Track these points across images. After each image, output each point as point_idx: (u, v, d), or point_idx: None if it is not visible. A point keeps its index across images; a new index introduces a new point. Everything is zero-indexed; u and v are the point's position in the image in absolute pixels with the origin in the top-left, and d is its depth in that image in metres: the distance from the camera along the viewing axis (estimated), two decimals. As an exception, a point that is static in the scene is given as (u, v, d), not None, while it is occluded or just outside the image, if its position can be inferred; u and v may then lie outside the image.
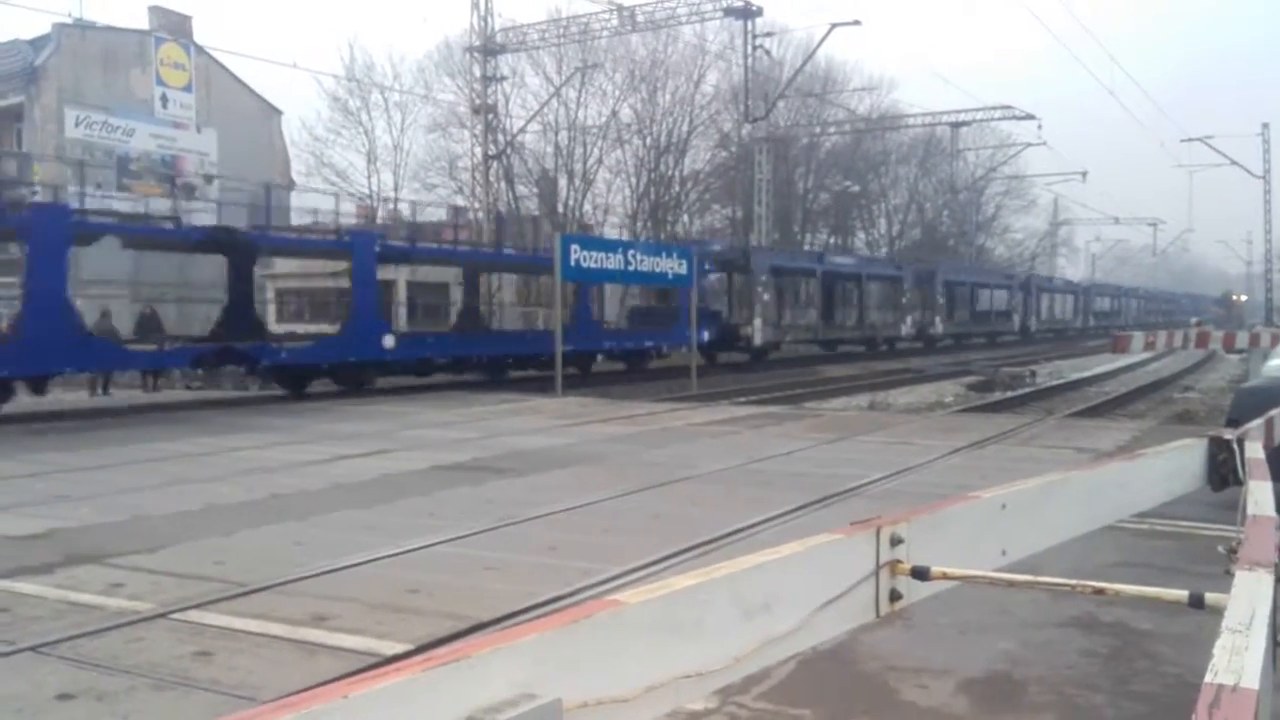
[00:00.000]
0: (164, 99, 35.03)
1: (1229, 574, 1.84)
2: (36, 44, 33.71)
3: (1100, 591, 2.03)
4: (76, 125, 32.54)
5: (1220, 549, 2.36)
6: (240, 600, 5.59)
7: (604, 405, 18.36)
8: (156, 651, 4.75)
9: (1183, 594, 1.91)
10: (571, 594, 5.56)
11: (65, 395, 19.99)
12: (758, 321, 34.78)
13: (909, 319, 46.12)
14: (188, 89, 35.83)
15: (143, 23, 35.72)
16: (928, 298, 48.35)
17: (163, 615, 5.30)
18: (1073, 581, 2.01)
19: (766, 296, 35.80)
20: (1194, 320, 64.43)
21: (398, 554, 6.66)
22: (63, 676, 4.44)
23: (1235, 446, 3.47)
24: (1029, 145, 62.51)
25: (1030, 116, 55.06)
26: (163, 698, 4.21)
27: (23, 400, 17.80)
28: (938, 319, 48.94)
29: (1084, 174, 69.38)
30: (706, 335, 31.02)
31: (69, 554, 6.72)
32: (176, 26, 35.89)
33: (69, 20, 33.32)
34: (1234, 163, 49.66)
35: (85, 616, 5.30)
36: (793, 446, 12.23)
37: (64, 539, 7.23)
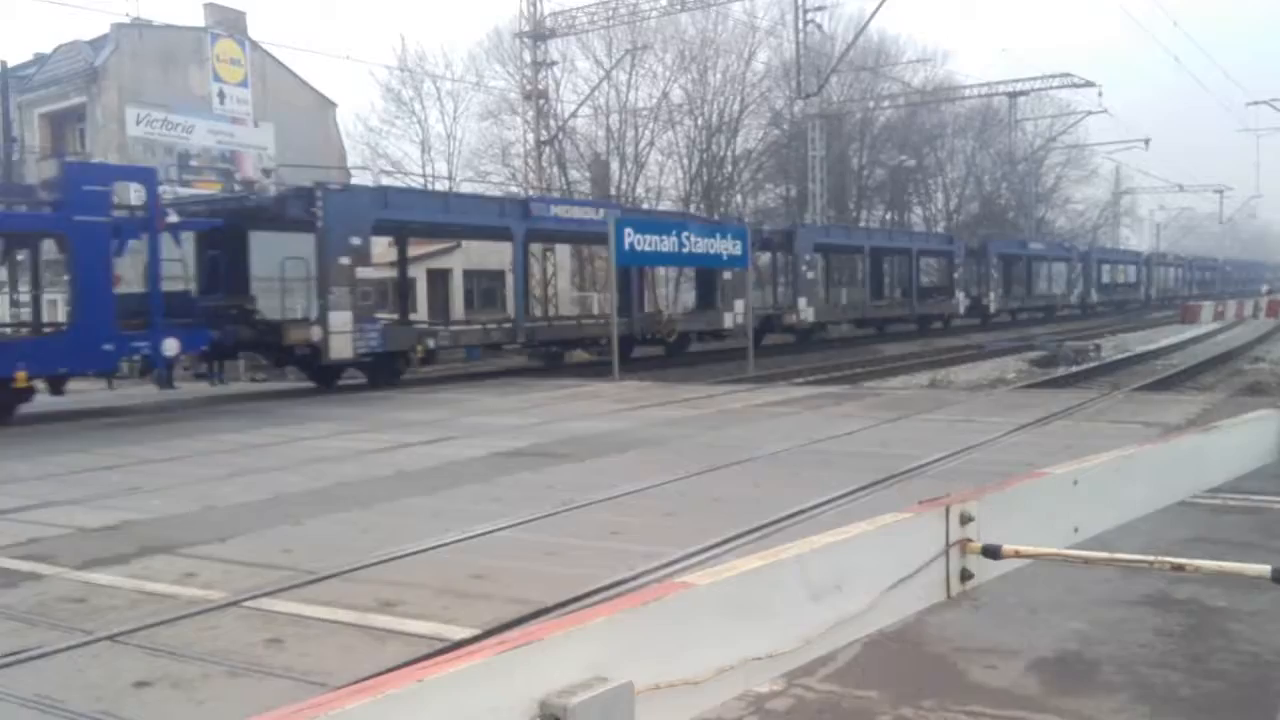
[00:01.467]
0: (221, 95, 35.54)
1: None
2: (96, 44, 34.36)
3: (1179, 568, 1.98)
4: (138, 124, 33.13)
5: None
6: (309, 588, 5.67)
7: (661, 389, 18.36)
8: (229, 639, 4.84)
9: (1264, 569, 1.86)
10: (634, 577, 5.57)
11: (132, 389, 20.38)
12: (802, 301, 33.66)
13: (961, 295, 44.20)
14: (244, 84, 36.32)
15: (198, 20, 36.25)
16: (981, 272, 46.77)
17: (234, 603, 5.40)
18: (1150, 558, 1.97)
19: (811, 275, 34.69)
20: (1264, 288, 62.91)
21: (461, 540, 6.72)
22: (139, 664, 4.54)
23: (1312, 418, 3.37)
24: (1089, 114, 61.29)
25: (1090, 84, 53.95)
26: (237, 684, 4.29)
27: (94, 394, 18.23)
28: (992, 294, 46.66)
29: (1146, 141, 67.82)
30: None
31: (142, 545, 6.87)
32: (231, 23, 36.37)
33: (127, 20, 33.91)
34: (1303, 126, 48.26)
35: (159, 605, 5.42)
36: (853, 426, 12.14)
37: (137, 530, 7.39)
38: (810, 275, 34.51)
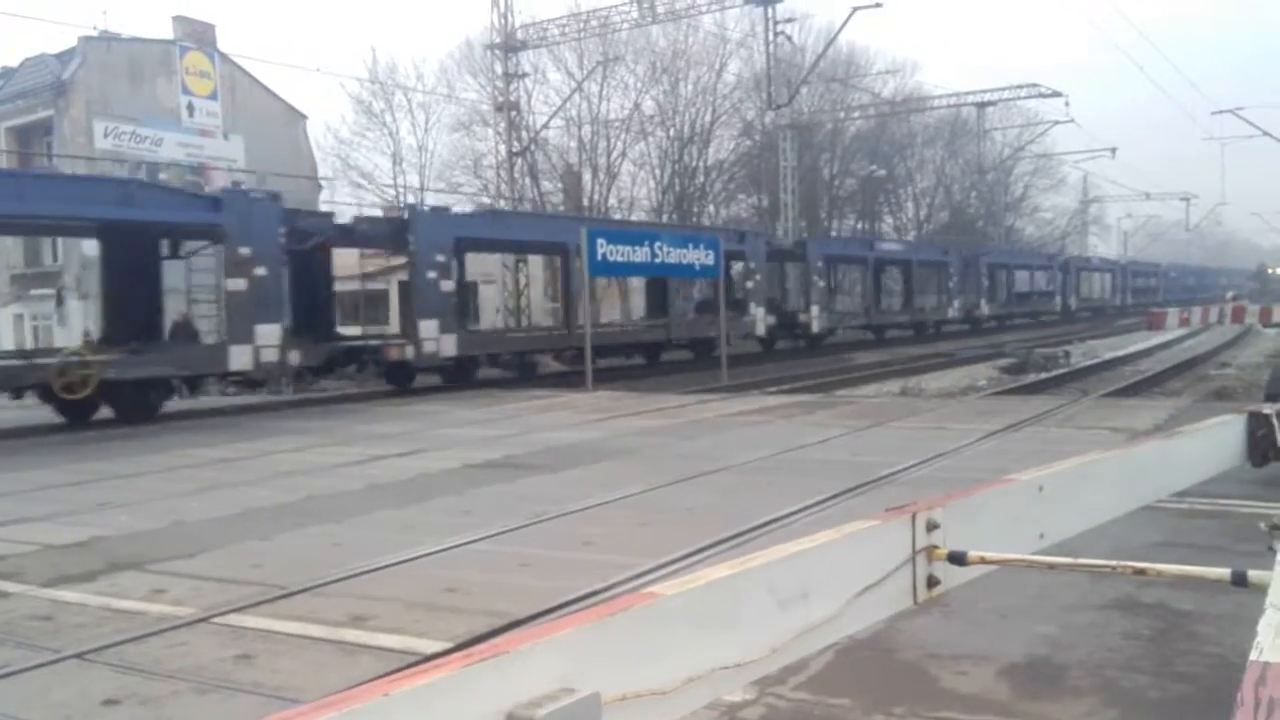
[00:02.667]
0: (190, 107, 35.31)
1: (1271, 550, 1.81)
2: (63, 57, 34.05)
3: (1141, 572, 2.00)
4: (105, 136, 32.86)
5: (1262, 526, 2.33)
6: (280, 603, 5.63)
7: (634, 399, 18.36)
8: (199, 655, 4.80)
9: (1225, 572, 1.88)
10: (608, 588, 5.57)
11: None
12: (814, 309, 36.29)
13: (956, 302, 46.77)
14: (213, 96, 36.10)
15: (167, 32, 36.02)
16: (973, 281, 49.03)
17: (204, 619, 5.35)
18: (1113, 562, 1.99)
19: (821, 284, 37.40)
20: (1229, 295, 63.61)
21: (434, 553, 6.69)
22: (107, 683, 4.49)
23: (1275, 421, 3.42)
24: (1056, 123, 61.85)
25: (1057, 94, 54.52)
26: (206, 701, 4.26)
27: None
28: (983, 301, 49.76)
29: (1113, 150, 68.56)
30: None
31: (110, 561, 6.80)
32: (200, 35, 36.15)
33: (94, 33, 33.64)
34: (1266, 134, 48.91)
35: (128, 623, 5.36)
36: (825, 435, 12.18)
37: (105, 546, 7.31)
38: (820, 284, 37.21)
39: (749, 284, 34.40)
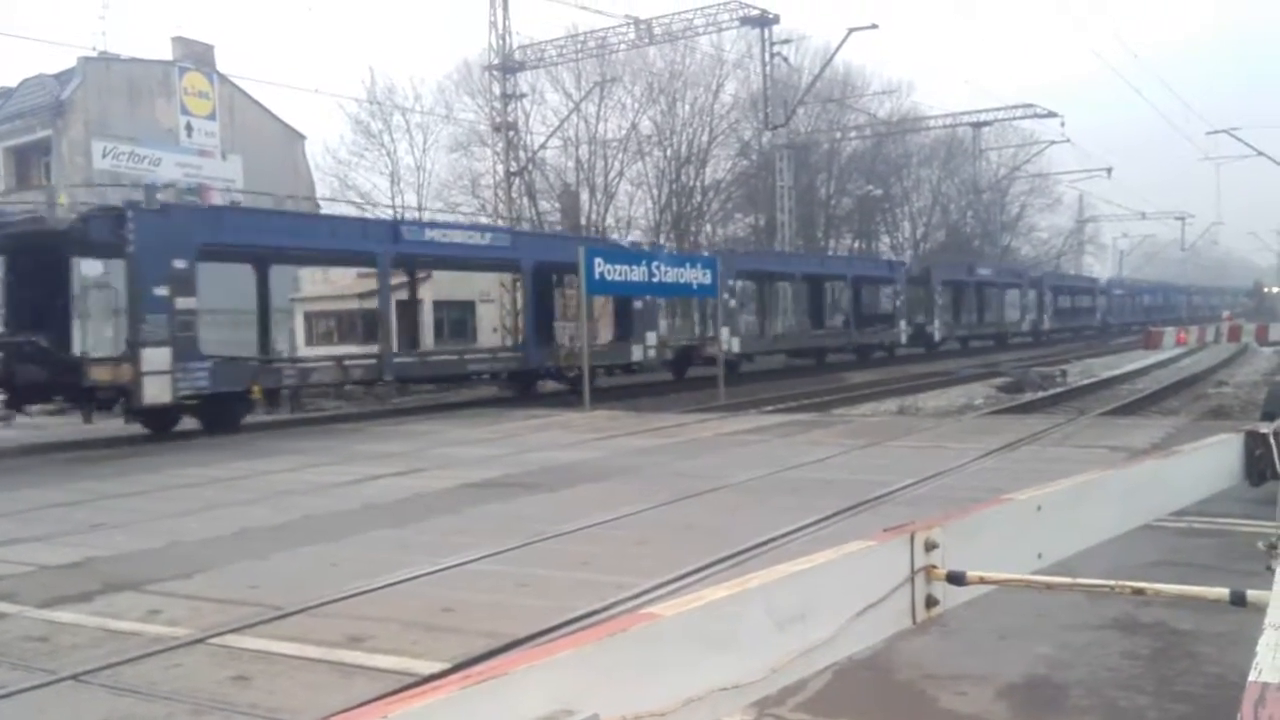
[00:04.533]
0: (189, 128, 35.43)
1: (1270, 570, 1.81)
2: (62, 78, 34.17)
3: (1140, 592, 2.00)
4: (104, 156, 32.96)
5: (1260, 545, 2.33)
6: (277, 623, 5.61)
7: (632, 418, 18.36)
8: (195, 677, 4.78)
9: (1223, 592, 1.88)
10: (606, 608, 5.55)
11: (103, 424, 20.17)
12: (725, 331, 32.11)
13: (902, 323, 42.86)
14: (212, 117, 36.23)
15: (166, 53, 36.17)
16: (924, 299, 46.57)
17: (200, 640, 5.33)
18: (1111, 582, 1.99)
19: (734, 304, 34.71)
20: (1225, 314, 63.72)
21: (431, 573, 6.67)
22: (103, 704, 4.47)
23: (1272, 440, 3.42)
24: (1052, 143, 62.24)
25: (1052, 114, 54.85)
26: (203, 722, 4.23)
27: (59, 429, 17.99)
28: (937, 321, 45.74)
29: (1109, 170, 68.91)
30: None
31: (106, 582, 6.77)
32: (199, 56, 36.30)
33: (93, 53, 33.77)
34: (1261, 154, 49.11)
35: (123, 644, 5.34)
36: (823, 454, 12.18)
37: (101, 567, 7.29)
38: (732, 303, 33.81)
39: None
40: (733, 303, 34.84)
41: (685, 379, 31.01)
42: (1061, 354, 42.70)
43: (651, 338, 28.25)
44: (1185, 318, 75.58)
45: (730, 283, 34.19)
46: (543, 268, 26.39)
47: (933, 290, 45.35)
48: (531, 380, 26.81)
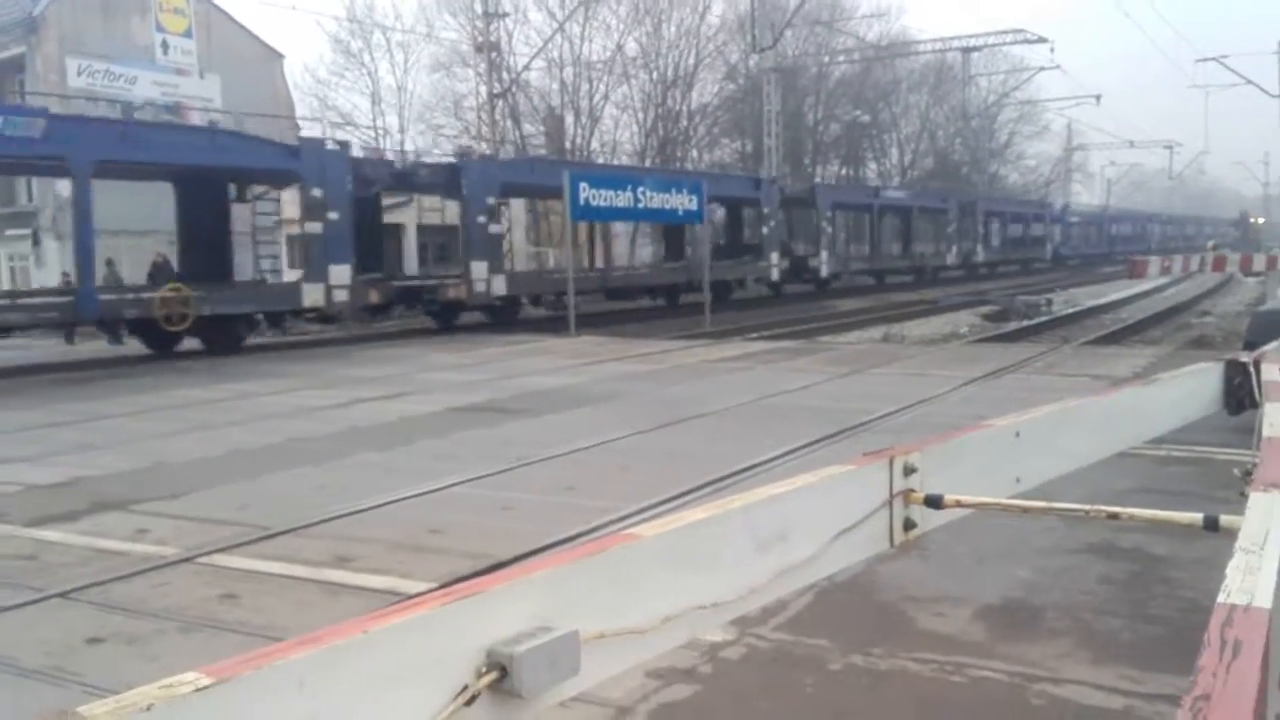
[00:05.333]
0: (165, 45, 34.69)
1: (1244, 496, 1.84)
2: (35, -8, 33.35)
3: (1115, 516, 2.03)
4: (79, 75, 32.28)
5: (1236, 472, 2.36)
6: (264, 544, 5.66)
7: (617, 344, 18.37)
8: (183, 595, 4.83)
9: (1197, 517, 1.91)
10: (589, 531, 5.61)
11: (83, 345, 20.12)
12: (824, 254, 37.20)
13: (954, 248, 47.53)
14: (188, 35, 35.45)
15: (141, -32, 35.27)
16: (970, 228, 49.59)
17: (188, 560, 5.38)
18: (1087, 506, 2.02)
19: (829, 230, 38.28)
20: (1210, 244, 63.82)
21: (417, 495, 6.72)
22: (91, 621, 4.52)
23: (1252, 369, 3.44)
24: (1041, 69, 61.34)
25: (1042, 40, 53.99)
26: (191, 640, 4.29)
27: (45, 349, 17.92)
28: (980, 247, 50.52)
29: (1098, 98, 68.10)
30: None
31: (94, 501, 6.81)
32: (175, -30, 35.41)
33: (67, -32, 32.89)
34: (1250, 82, 48.76)
35: (111, 562, 5.38)
36: (807, 381, 12.23)
37: (88, 487, 7.32)
38: (829, 230, 38.06)
39: (764, 230, 34.23)
40: (829, 229, 38.02)
41: (729, 300, 30.75)
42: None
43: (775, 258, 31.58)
44: (1155, 249, 72.97)
45: (828, 213, 37.39)
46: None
47: (819, 215, 38.31)
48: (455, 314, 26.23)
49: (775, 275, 34.72)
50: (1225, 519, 1.84)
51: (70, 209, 18.40)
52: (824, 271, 37.73)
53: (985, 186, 64.56)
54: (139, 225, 28.35)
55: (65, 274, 26.85)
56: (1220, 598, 1.27)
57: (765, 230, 34.51)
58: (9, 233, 33.55)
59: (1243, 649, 1.11)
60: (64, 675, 3.93)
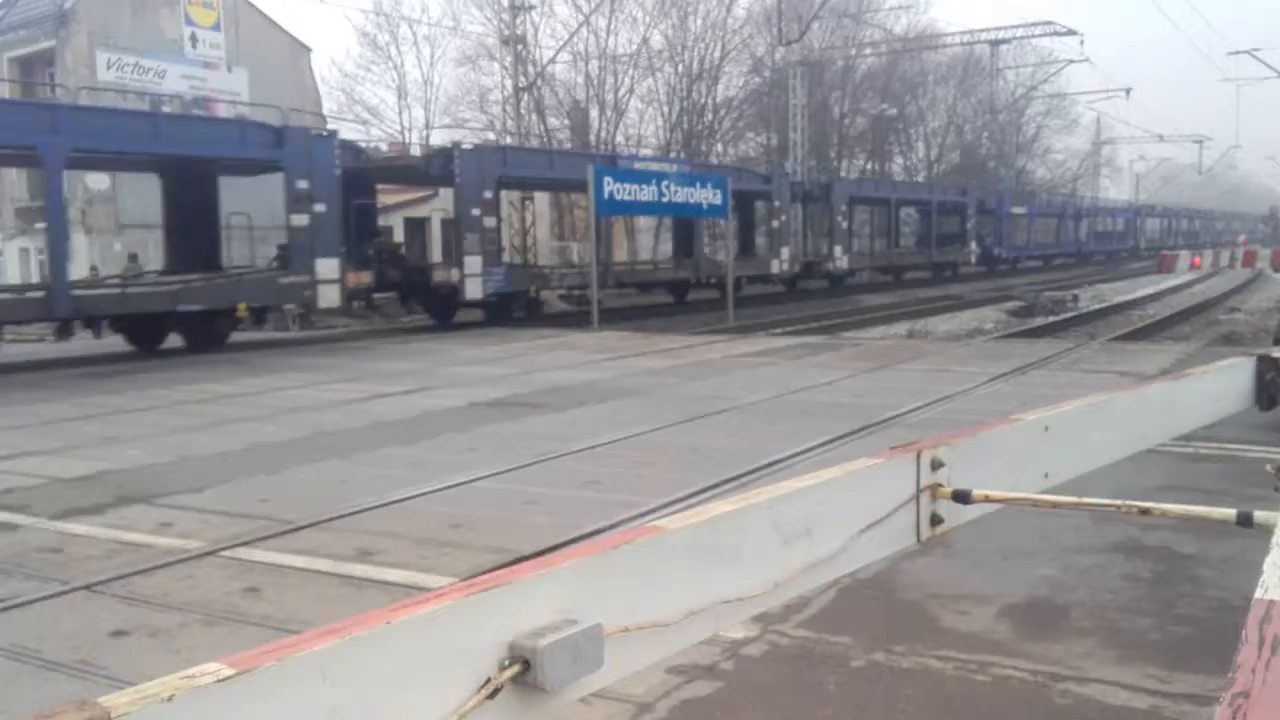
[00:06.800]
0: (193, 39, 34.90)
1: (1278, 491, 1.80)
2: (65, -12, 33.61)
3: (1146, 512, 2.00)
4: (108, 68, 32.51)
5: (1268, 468, 2.32)
6: (287, 537, 5.68)
7: (640, 339, 18.35)
8: (207, 589, 4.85)
9: (1230, 513, 1.88)
10: (612, 526, 5.60)
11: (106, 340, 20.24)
12: (838, 249, 36.81)
13: (973, 244, 46.57)
14: (216, 28, 35.65)
15: (169, -37, 35.50)
16: (993, 223, 48.82)
17: (212, 553, 5.40)
18: (1118, 502, 1.99)
19: (845, 226, 37.86)
20: (1241, 238, 63.09)
21: (440, 489, 6.73)
22: (116, 614, 4.55)
23: (1284, 365, 3.39)
24: (1070, 62, 60.88)
25: (1072, 32, 53.62)
26: (214, 633, 4.30)
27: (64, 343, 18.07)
28: (1003, 243, 49.87)
29: (1127, 91, 67.59)
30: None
31: (119, 495, 6.85)
32: (203, -34, 35.60)
33: (95, -37, 33.14)
34: (1283, 76, 48.18)
35: (136, 555, 5.41)
36: (831, 377, 12.18)
37: (113, 480, 7.37)
38: (845, 225, 37.44)
39: (774, 224, 33.30)
40: (845, 225, 37.33)
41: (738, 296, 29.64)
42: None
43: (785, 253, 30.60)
44: (1144, 250, 67.92)
45: (843, 208, 36.87)
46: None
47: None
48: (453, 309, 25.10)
49: (777, 269, 32.91)
50: (1259, 515, 1.81)
51: (98, 203, 18.34)
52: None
53: (1012, 181, 64.04)
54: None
55: (94, 266, 27.11)
56: (1258, 593, 1.25)
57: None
58: (38, 225, 33.87)
59: (1281, 646, 1.09)
60: (88, 668, 3.96)
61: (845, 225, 37.80)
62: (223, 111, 32.32)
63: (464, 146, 23.02)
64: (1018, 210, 53.82)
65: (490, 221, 22.81)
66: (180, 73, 34.31)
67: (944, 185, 54.30)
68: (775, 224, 32.92)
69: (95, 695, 0.95)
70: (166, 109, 29.73)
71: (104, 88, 30.34)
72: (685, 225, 30.83)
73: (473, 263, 21.94)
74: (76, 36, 32.72)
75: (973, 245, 45.46)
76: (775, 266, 32.73)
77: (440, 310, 23.74)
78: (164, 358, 17.24)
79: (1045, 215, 60.57)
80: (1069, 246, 61.73)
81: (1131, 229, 73.59)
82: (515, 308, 23.73)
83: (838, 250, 36.77)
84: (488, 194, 22.46)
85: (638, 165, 26.32)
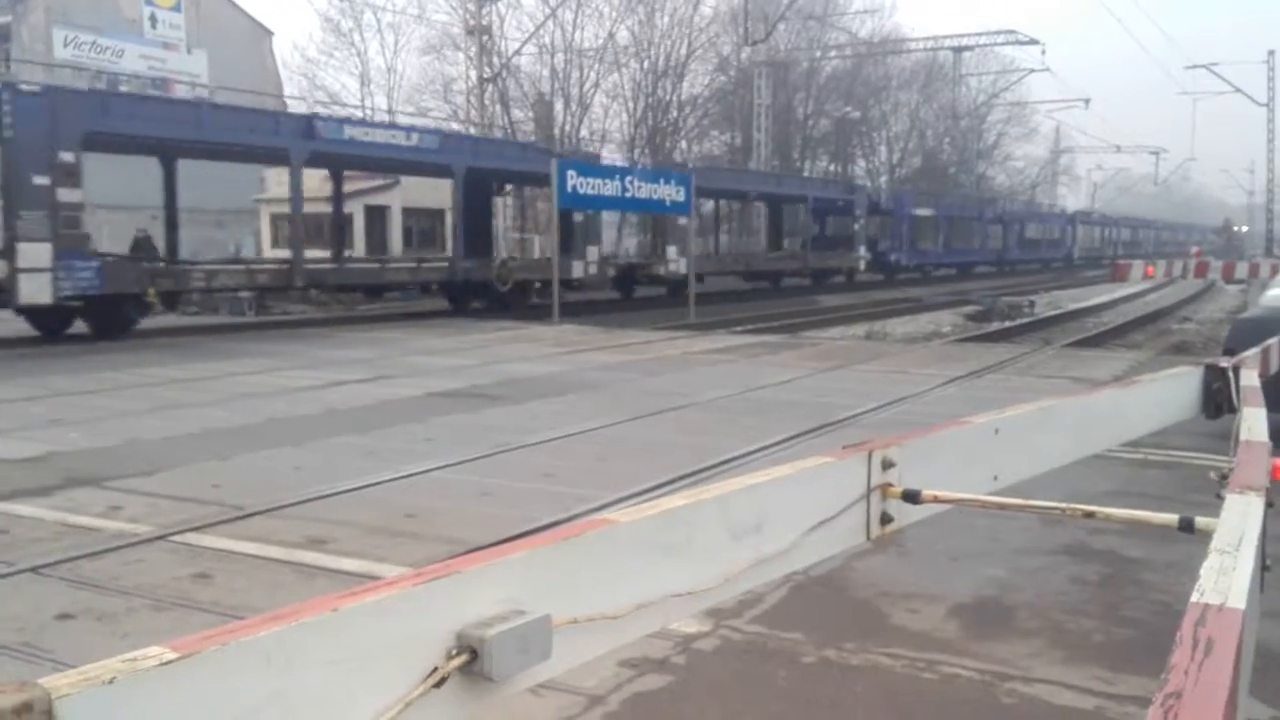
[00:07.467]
0: (153, 19, 34.42)
1: (1220, 498, 1.84)
2: (23, -38, 33.06)
3: (1090, 515, 2.03)
4: (65, 46, 31.98)
5: (1212, 475, 2.36)
6: (238, 523, 5.63)
7: (600, 334, 18.35)
8: (155, 573, 4.80)
9: (1172, 518, 1.91)
10: (567, 519, 5.59)
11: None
12: (672, 250, 32.30)
13: (862, 249, 42.14)
14: (176, 9, 35.18)
15: (130, -60, 34.97)
16: (891, 226, 45.61)
17: (161, 537, 5.34)
18: (1063, 505, 2.02)
19: (682, 221, 33.69)
20: (1194, 249, 64.15)
21: (395, 479, 6.70)
22: (62, 597, 4.48)
23: (1230, 374, 3.46)
24: (1031, 71, 61.84)
25: (1034, 41, 54.41)
26: (162, 618, 4.26)
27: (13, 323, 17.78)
28: (902, 249, 47.02)
29: (1086, 101, 68.79)
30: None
31: (67, 477, 6.75)
32: (165, -56, 35.13)
33: (55, -63, 32.61)
34: (1238, 90, 49.11)
35: (84, 538, 5.34)
36: (788, 375, 12.25)
37: (61, 462, 7.26)
38: (681, 221, 30.44)
39: (855, 228, 40.92)
40: (681, 220, 34.26)
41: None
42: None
43: (593, 253, 26.33)
44: (1078, 260, 65.78)
45: (64, 155, 31.58)
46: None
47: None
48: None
49: (579, 272, 28.08)
50: (1201, 521, 1.85)
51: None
52: (902, 261, 44.88)
53: (973, 187, 64.69)
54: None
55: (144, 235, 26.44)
56: (1194, 596, 1.27)
57: (857, 227, 41.25)
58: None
59: (1215, 648, 1.11)
60: (33, 650, 3.90)
61: (681, 221, 30.76)
62: (180, 92, 31.89)
63: (22, 87, 16.34)
64: (923, 212, 48.59)
65: (70, 195, 16.21)
66: (139, 52, 33.81)
67: (825, 180, 51.26)
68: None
69: (39, 677, 0.94)
70: (123, 88, 29.24)
71: (60, 64, 29.84)
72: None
73: (32, 252, 15.67)
74: (34, 13, 32.17)
75: (861, 250, 40.77)
76: (577, 270, 26.67)
77: (40, 319, 17.57)
78: (114, 341, 16.98)
79: (961, 218, 54.27)
80: (988, 255, 56.30)
81: (1065, 237, 68.57)
82: (132, 314, 18.03)
83: (672, 251, 31.60)
84: (66, 155, 16.10)
85: (353, 131, 22.26)
